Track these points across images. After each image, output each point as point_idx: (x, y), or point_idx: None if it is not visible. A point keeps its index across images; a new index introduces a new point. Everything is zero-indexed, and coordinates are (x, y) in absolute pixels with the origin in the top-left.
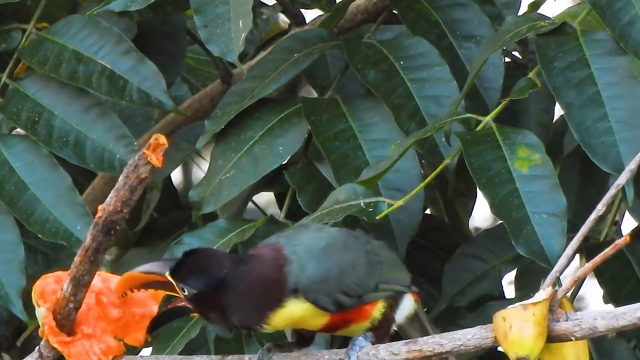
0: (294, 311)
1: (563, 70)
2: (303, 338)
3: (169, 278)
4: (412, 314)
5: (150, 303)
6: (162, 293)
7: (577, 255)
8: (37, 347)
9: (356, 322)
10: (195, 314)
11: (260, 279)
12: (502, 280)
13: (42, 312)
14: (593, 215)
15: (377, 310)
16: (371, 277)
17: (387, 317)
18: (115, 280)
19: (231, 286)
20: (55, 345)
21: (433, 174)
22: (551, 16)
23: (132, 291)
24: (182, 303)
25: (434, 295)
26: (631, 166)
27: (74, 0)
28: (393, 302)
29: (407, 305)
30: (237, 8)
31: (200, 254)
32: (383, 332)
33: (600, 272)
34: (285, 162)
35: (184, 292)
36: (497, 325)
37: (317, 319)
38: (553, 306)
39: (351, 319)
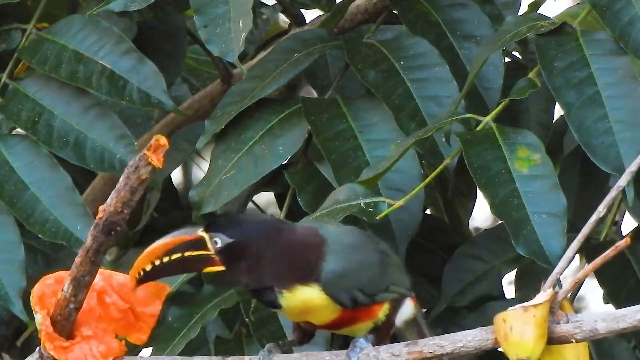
0: (313, 297)
1: (563, 70)
2: (304, 334)
3: (201, 233)
4: (410, 319)
5: (154, 301)
6: (165, 292)
7: (577, 256)
8: (38, 348)
9: (362, 321)
10: (212, 269)
11: (301, 243)
12: (502, 281)
13: (39, 319)
14: (594, 217)
15: (382, 311)
16: (383, 277)
17: (390, 319)
18: (118, 278)
19: (270, 240)
20: (52, 353)
21: (433, 174)
22: (551, 16)
23: (154, 264)
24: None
25: (434, 295)
26: (632, 168)
27: (74, 0)
28: (396, 305)
29: (407, 308)
30: (237, 8)
31: (234, 213)
32: (384, 334)
33: (600, 273)
34: (285, 162)
35: (217, 244)
36: (498, 326)
37: (329, 313)
38: (554, 308)
39: (359, 317)
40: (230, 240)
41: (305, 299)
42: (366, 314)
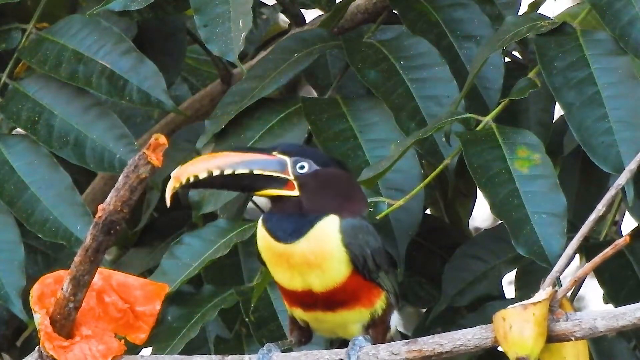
0: (334, 244)
1: (563, 70)
2: (302, 333)
3: (280, 156)
4: (395, 332)
5: (153, 301)
6: (164, 291)
7: (577, 255)
8: (37, 347)
9: (361, 304)
10: (280, 192)
11: (357, 191)
12: (502, 280)
13: (38, 319)
14: (593, 216)
15: (380, 301)
16: (385, 259)
17: (385, 317)
18: (117, 277)
19: (344, 176)
20: (51, 353)
21: (433, 174)
22: (551, 16)
23: (211, 174)
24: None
25: (434, 295)
26: (631, 166)
27: (74, 0)
28: (391, 304)
29: (395, 318)
30: (237, 8)
31: (303, 145)
32: (380, 334)
33: (600, 272)
34: None
35: (303, 168)
36: (497, 325)
37: (339, 271)
38: (553, 306)
39: (359, 295)
40: (318, 167)
41: (329, 236)
42: (366, 296)
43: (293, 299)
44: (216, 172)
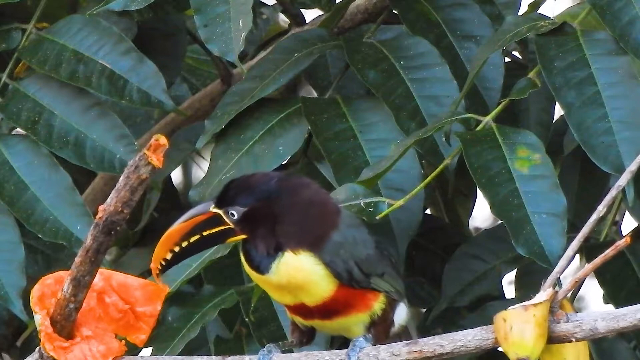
0: (306, 266)
1: (563, 70)
2: (303, 334)
3: (215, 210)
4: (404, 326)
5: (153, 302)
6: (165, 292)
7: (577, 256)
8: (38, 348)
9: (357, 309)
10: (235, 239)
11: (321, 206)
12: (502, 280)
13: (38, 319)
14: (594, 217)
15: (378, 303)
16: (379, 261)
17: (386, 316)
18: (118, 278)
19: (286, 200)
20: (52, 353)
21: (433, 174)
22: (551, 16)
23: (175, 249)
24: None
25: (434, 295)
26: (632, 167)
27: (73, 0)
28: (392, 303)
29: (403, 313)
30: (237, 7)
31: (242, 178)
32: (382, 332)
33: (600, 273)
34: (285, 162)
35: (234, 216)
36: (498, 326)
37: (324, 287)
38: (553, 307)
39: (354, 303)
40: (244, 209)
41: (301, 266)
42: (361, 301)
43: (290, 310)
44: (177, 249)
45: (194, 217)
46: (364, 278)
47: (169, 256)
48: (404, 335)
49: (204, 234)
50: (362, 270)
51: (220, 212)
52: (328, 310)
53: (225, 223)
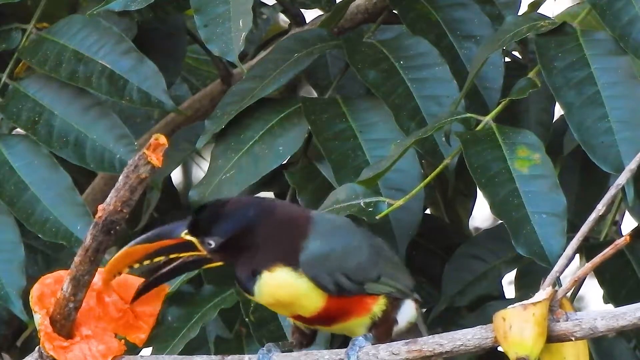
0: (292, 280)
1: (563, 70)
2: (303, 336)
3: (188, 237)
4: (412, 323)
5: (153, 301)
6: (164, 292)
7: (577, 255)
8: (37, 347)
9: (355, 314)
10: (210, 266)
11: (286, 222)
12: (502, 280)
13: (38, 319)
14: (593, 215)
15: (377, 305)
16: (374, 266)
17: (388, 316)
18: (118, 277)
19: (260, 224)
20: (52, 353)
21: (433, 174)
22: (551, 16)
23: (129, 269)
24: (191, 258)
25: (434, 295)
26: (631, 166)
27: (73, 0)
28: (395, 303)
29: (409, 310)
30: (237, 7)
31: (214, 204)
32: (384, 332)
33: (600, 272)
34: (285, 162)
35: (210, 245)
36: (497, 325)
37: (314, 300)
38: (553, 306)
39: (350, 309)
40: (222, 239)
41: (282, 283)
42: (359, 307)
43: (294, 319)
44: (136, 265)
45: (161, 239)
46: (356, 286)
47: (125, 271)
48: (413, 333)
49: (171, 256)
50: (352, 280)
51: (194, 239)
52: (325, 319)
53: (198, 250)
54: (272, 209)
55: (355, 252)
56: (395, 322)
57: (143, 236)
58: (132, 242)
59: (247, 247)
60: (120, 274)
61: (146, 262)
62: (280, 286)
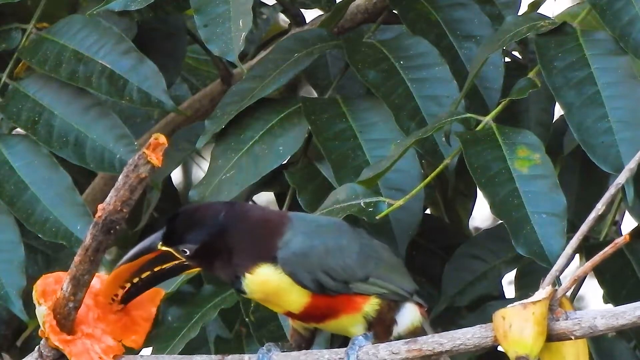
0: (271, 277)
1: (563, 70)
2: (302, 338)
3: (164, 248)
4: (416, 326)
5: (149, 306)
6: (160, 296)
7: (577, 255)
8: (37, 347)
9: (345, 312)
10: (192, 271)
11: (260, 222)
12: (502, 280)
13: (43, 311)
14: (593, 215)
15: (369, 305)
16: (362, 267)
17: (384, 316)
18: None
19: (233, 228)
20: (57, 344)
21: (433, 174)
22: (551, 16)
23: (124, 287)
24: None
25: (434, 295)
26: (631, 165)
27: (74, 0)
28: (392, 304)
29: (410, 314)
30: (237, 7)
31: (185, 211)
32: (382, 332)
33: (600, 272)
34: (285, 162)
35: (186, 252)
36: (497, 324)
37: (297, 297)
38: (553, 305)
39: (338, 307)
40: (196, 246)
41: (265, 279)
42: (347, 305)
43: (287, 316)
44: (127, 285)
45: (141, 255)
46: (340, 285)
47: (120, 292)
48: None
49: (156, 269)
50: (334, 279)
51: (170, 249)
52: (315, 316)
53: (178, 259)
54: (245, 212)
55: (339, 251)
56: (395, 322)
57: (125, 257)
58: (117, 265)
59: (221, 251)
60: (116, 296)
61: (136, 280)
62: (264, 282)
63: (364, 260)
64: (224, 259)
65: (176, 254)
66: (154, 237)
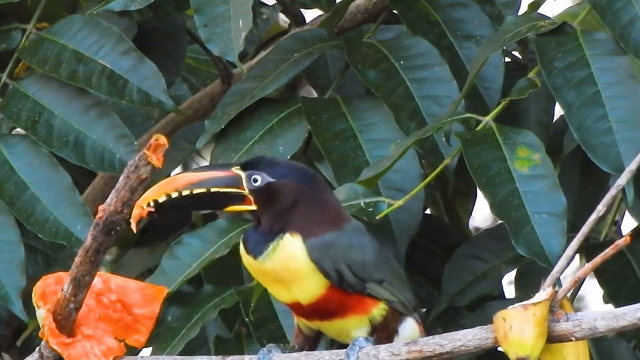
0: (298, 254)
1: (563, 70)
2: (306, 340)
3: (237, 171)
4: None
5: (151, 304)
6: (163, 294)
7: (577, 255)
8: (38, 348)
9: (353, 312)
10: (240, 208)
11: (333, 209)
12: (502, 280)
13: (42, 314)
14: (593, 216)
15: (377, 309)
16: (378, 269)
17: (388, 324)
18: (116, 280)
19: (315, 188)
20: (55, 347)
21: (433, 174)
22: (551, 16)
23: (166, 197)
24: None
25: (434, 295)
26: (632, 167)
27: (74, 0)
28: (397, 315)
29: (411, 328)
30: (237, 7)
31: (271, 158)
32: (384, 339)
33: (600, 272)
34: None
35: (257, 182)
36: (498, 325)
37: (312, 284)
38: (553, 307)
39: (349, 305)
40: (271, 180)
41: (293, 252)
42: (358, 305)
43: (293, 311)
44: (174, 194)
45: (209, 171)
46: (358, 282)
47: (162, 199)
48: None
49: (212, 189)
50: (355, 273)
51: (242, 174)
52: (323, 310)
53: (240, 187)
54: (325, 189)
55: (361, 248)
56: (397, 332)
57: (193, 168)
58: (179, 172)
59: (284, 203)
60: (154, 203)
61: (186, 193)
62: (291, 256)
63: (380, 263)
64: (280, 210)
65: (244, 181)
66: (232, 164)
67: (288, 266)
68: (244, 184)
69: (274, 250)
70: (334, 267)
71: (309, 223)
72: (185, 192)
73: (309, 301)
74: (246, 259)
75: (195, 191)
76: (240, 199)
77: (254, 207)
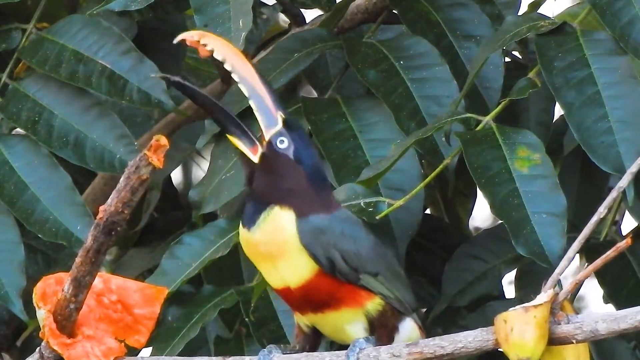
0: (288, 230)
1: (563, 70)
2: (307, 340)
3: (280, 116)
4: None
5: (152, 304)
6: (163, 294)
7: (577, 255)
8: (38, 348)
9: (347, 305)
10: (244, 150)
11: (323, 192)
12: (502, 280)
13: (42, 314)
14: (594, 218)
15: (372, 304)
16: (373, 262)
17: (387, 320)
18: (117, 281)
19: (312, 172)
20: (56, 348)
21: (433, 174)
22: (551, 16)
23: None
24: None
25: (434, 295)
26: (633, 169)
27: (74, 0)
28: (395, 312)
29: (411, 328)
30: (237, 7)
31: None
32: (384, 336)
33: (600, 273)
34: None
35: (281, 144)
36: (498, 327)
37: (300, 264)
38: (554, 309)
39: (340, 296)
40: (292, 156)
41: (284, 226)
42: (350, 297)
43: (285, 300)
44: (220, 58)
45: (266, 87)
46: (351, 272)
47: (195, 37)
48: None
49: (250, 102)
50: (347, 262)
51: (279, 125)
52: (315, 300)
53: (266, 130)
54: (326, 180)
55: (354, 239)
56: (397, 330)
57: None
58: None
59: (287, 179)
60: (204, 45)
61: (228, 67)
62: (279, 227)
63: (376, 256)
64: (276, 182)
65: (272, 130)
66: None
67: (275, 237)
68: (269, 133)
69: (264, 220)
70: (324, 254)
71: (302, 202)
72: (228, 67)
73: (298, 284)
74: (241, 233)
75: (236, 78)
76: (250, 142)
77: (254, 159)
